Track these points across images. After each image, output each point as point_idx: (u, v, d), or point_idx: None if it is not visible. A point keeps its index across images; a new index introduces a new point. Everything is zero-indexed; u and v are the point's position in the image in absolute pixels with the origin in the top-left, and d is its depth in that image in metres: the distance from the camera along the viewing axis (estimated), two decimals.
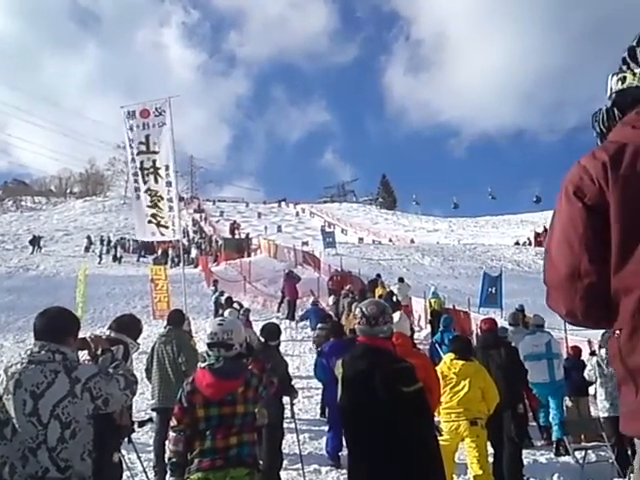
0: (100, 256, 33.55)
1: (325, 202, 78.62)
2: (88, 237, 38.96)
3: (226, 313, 11.15)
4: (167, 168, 12.90)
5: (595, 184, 1.24)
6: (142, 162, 12.89)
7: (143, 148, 12.86)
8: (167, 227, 13.07)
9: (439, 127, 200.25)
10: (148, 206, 12.97)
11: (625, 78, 1.35)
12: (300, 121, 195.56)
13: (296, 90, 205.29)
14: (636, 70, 1.34)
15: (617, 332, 1.22)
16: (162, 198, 12.92)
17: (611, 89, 1.38)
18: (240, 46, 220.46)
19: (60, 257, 33.83)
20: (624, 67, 1.37)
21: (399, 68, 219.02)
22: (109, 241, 37.67)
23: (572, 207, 1.27)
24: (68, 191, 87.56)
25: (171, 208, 13.05)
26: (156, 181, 12.88)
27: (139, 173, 12.93)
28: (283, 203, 69.91)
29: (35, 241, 36.00)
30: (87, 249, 37.01)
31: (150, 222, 13.07)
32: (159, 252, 34.23)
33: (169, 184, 12.99)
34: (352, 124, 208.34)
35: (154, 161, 12.84)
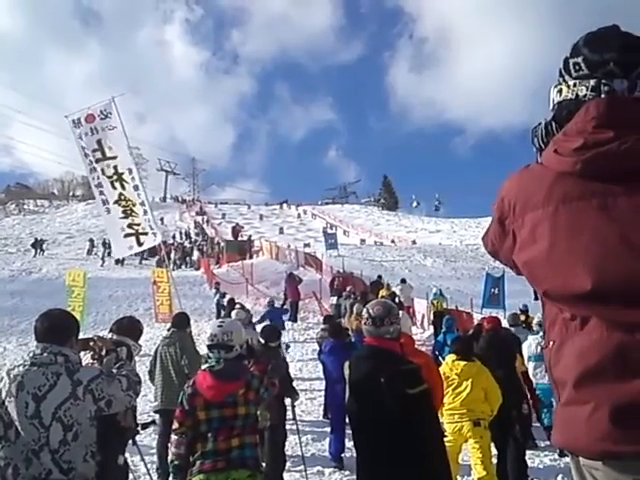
0: (102, 259, 33.57)
1: (327, 204, 78.60)
2: (90, 240, 38.97)
3: (233, 314, 11.13)
4: (130, 172, 12.41)
5: (509, 209, 1.32)
6: (103, 170, 12.31)
7: (99, 155, 12.33)
8: (146, 233, 12.56)
9: (444, 125, 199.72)
10: (121, 217, 12.41)
11: (562, 90, 1.32)
12: (304, 120, 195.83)
13: (300, 88, 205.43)
14: (570, 82, 1.30)
15: (551, 343, 1.26)
16: (135, 204, 12.39)
17: (552, 101, 1.35)
18: (243, 44, 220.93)
19: (63, 260, 33.85)
20: (560, 79, 1.34)
21: (403, 66, 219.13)
22: (111, 244, 37.67)
23: (493, 217, 1.38)
24: (70, 194, 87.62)
25: (145, 212, 12.55)
26: (123, 187, 12.35)
27: (104, 183, 12.34)
28: (285, 205, 69.90)
29: (37, 244, 36.02)
30: (89, 252, 37.02)
31: (127, 235, 12.48)
32: (162, 253, 34.19)
33: (136, 187, 12.49)
34: (356, 123, 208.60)
35: (115, 167, 12.32)
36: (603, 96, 1.24)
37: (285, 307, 17.18)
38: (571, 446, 1.22)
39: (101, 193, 12.51)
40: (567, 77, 1.31)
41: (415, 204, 59.74)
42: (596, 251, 1.15)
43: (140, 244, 12.81)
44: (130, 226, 12.47)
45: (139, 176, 12.99)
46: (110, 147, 12.30)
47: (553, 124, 1.34)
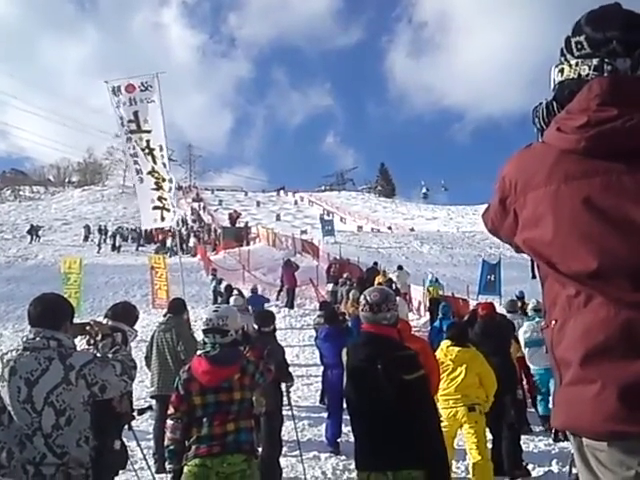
0: (99, 245, 33.52)
1: (324, 190, 78.48)
2: (86, 226, 38.88)
3: (231, 300, 11.14)
4: (161, 148, 12.40)
5: (510, 188, 1.31)
6: (136, 142, 12.34)
7: (134, 127, 12.31)
8: (169, 210, 12.70)
9: (443, 111, 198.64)
10: (153, 189, 12.50)
11: (563, 70, 1.30)
12: (301, 105, 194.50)
13: (297, 73, 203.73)
14: (572, 61, 1.28)
15: (553, 322, 1.25)
16: (164, 179, 12.47)
17: (554, 81, 1.33)
18: (240, 27, 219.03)
19: (59, 246, 33.78)
20: (562, 58, 1.32)
21: (402, 50, 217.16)
22: (107, 230, 37.60)
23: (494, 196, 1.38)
24: (66, 180, 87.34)
25: (170, 189, 12.73)
26: (154, 162, 12.41)
27: (139, 153, 12.39)
28: (282, 192, 69.77)
29: (33, 230, 35.94)
30: (86, 238, 36.95)
31: (155, 208, 12.62)
32: (159, 238, 34.29)
33: (165, 165, 12.54)
34: (354, 108, 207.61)
35: (148, 141, 12.32)
36: (606, 75, 1.23)
37: (267, 295, 17.17)
38: (575, 426, 1.21)
39: (135, 162, 12.58)
40: (569, 56, 1.30)
41: (424, 190, 59.08)
42: (600, 230, 1.14)
43: (162, 219, 12.97)
44: (160, 199, 12.61)
45: (168, 157, 13.07)
46: (146, 120, 12.28)
47: (554, 104, 1.32)
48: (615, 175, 1.15)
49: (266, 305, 13.73)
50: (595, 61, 1.25)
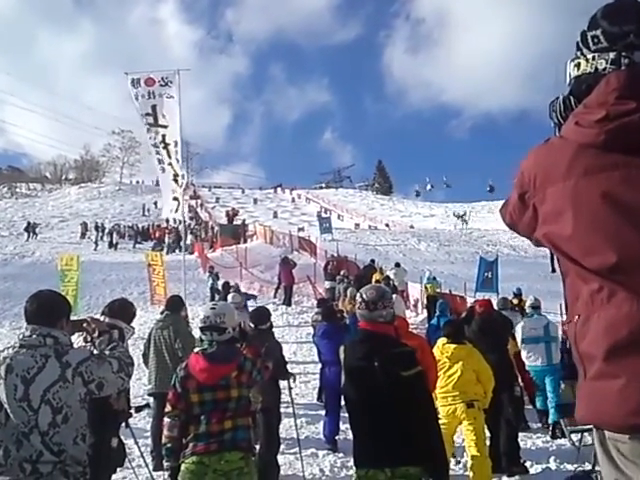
0: (96, 242, 33.46)
1: (321, 188, 78.45)
2: (83, 224, 38.80)
3: (229, 297, 11.11)
4: (176, 144, 12.49)
5: (529, 182, 1.31)
6: (153, 136, 12.45)
7: (151, 120, 12.37)
8: (179, 203, 13.02)
9: (440, 108, 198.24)
10: (172, 180, 12.70)
11: (579, 64, 1.30)
12: (299, 101, 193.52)
13: (295, 69, 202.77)
14: (588, 56, 1.28)
15: (576, 317, 1.24)
16: (177, 174, 12.67)
17: (570, 75, 1.33)
18: (238, 22, 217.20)
19: (56, 244, 33.70)
20: (578, 53, 1.32)
21: (400, 47, 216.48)
22: (104, 227, 37.55)
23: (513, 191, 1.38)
24: (63, 177, 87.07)
25: (182, 185, 13.00)
26: (169, 157, 12.56)
27: (159, 145, 12.50)
28: (279, 189, 69.74)
29: (30, 228, 35.86)
30: (83, 236, 36.90)
31: (174, 199, 12.89)
32: (156, 235, 34.33)
33: (178, 161, 12.72)
34: (351, 105, 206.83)
35: (164, 136, 12.40)
36: (623, 68, 1.23)
37: (252, 293, 17.07)
38: (598, 420, 1.21)
39: (157, 152, 12.66)
40: (585, 50, 1.30)
41: (429, 187, 58.72)
42: (620, 224, 1.14)
43: (176, 211, 13.30)
44: (174, 191, 12.87)
45: (180, 152, 13.18)
46: (164, 115, 12.34)
47: (571, 98, 1.32)
48: (634, 169, 1.15)
49: (251, 302, 13.63)
50: (612, 55, 1.25)
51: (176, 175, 12.64)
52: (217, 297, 15.31)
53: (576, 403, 1.28)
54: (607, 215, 1.15)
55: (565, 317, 1.34)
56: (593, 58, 1.27)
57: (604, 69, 1.25)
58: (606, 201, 1.16)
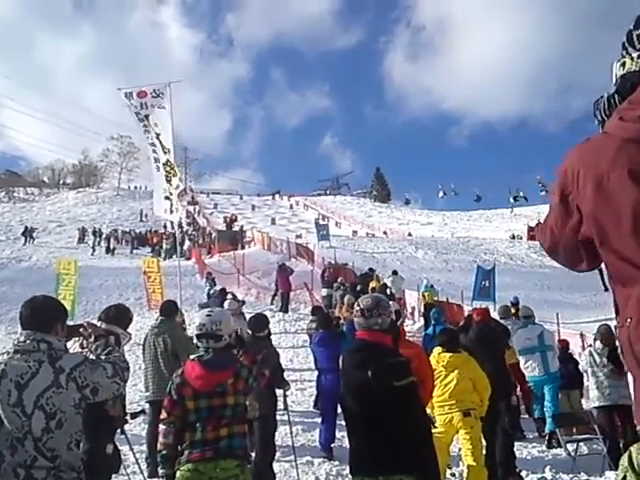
0: (93, 248, 33.42)
1: (319, 195, 78.50)
2: (81, 229, 38.76)
3: (226, 304, 11.10)
4: (169, 152, 12.84)
5: (572, 180, 1.29)
6: (150, 136, 12.77)
7: (146, 123, 12.73)
8: (173, 206, 13.25)
9: (440, 115, 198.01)
10: (165, 180, 12.93)
11: (625, 64, 1.32)
12: (299, 107, 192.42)
13: (296, 74, 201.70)
14: (634, 54, 1.30)
15: (628, 320, 1.23)
16: (175, 174, 12.97)
17: (615, 75, 1.35)
18: (239, 27, 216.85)
19: (53, 248, 33.63)
20: (623, 52, 1.34)
21: (400, 54, 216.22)
22: (101, 233, 37.51)
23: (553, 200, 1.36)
24: (61, 182, 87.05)
25: (178, 187, 13.22)
26: (164, 152, 12.86)
27: (156, 143, 12.77)
28: (277, 195, 69.81)
29: (28, 232, 35.80)
30: (80, 240, 36.84)
31: (166, 198, 13.09)
32: (154, 241, 34.32)
33: (170, 167, 13.03)
34: (351, 111, 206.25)
35: (157, 134, 12.76)
36: None
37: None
38: None
39: (154, 152, 12.94)
40: (631, 49, 1.32)
41: (441, 194, 58.22)
42: None
43: (171, 212, 13.47)
44: (167, 190, 13.07)
45: (172, 160, 13.45)
46: (156, 124, 12.66)
47: (616, 97, 1.34)
48: None
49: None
50: None
51: (174, 175, 12.89)
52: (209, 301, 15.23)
53: (633, 406, 1.27)
54: None
55: (616, 322, 1.32)
56: (638, 57, 1.29)
57: None
58: None
